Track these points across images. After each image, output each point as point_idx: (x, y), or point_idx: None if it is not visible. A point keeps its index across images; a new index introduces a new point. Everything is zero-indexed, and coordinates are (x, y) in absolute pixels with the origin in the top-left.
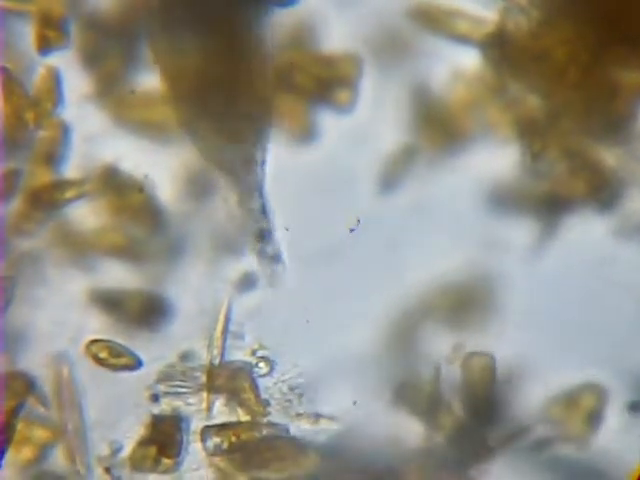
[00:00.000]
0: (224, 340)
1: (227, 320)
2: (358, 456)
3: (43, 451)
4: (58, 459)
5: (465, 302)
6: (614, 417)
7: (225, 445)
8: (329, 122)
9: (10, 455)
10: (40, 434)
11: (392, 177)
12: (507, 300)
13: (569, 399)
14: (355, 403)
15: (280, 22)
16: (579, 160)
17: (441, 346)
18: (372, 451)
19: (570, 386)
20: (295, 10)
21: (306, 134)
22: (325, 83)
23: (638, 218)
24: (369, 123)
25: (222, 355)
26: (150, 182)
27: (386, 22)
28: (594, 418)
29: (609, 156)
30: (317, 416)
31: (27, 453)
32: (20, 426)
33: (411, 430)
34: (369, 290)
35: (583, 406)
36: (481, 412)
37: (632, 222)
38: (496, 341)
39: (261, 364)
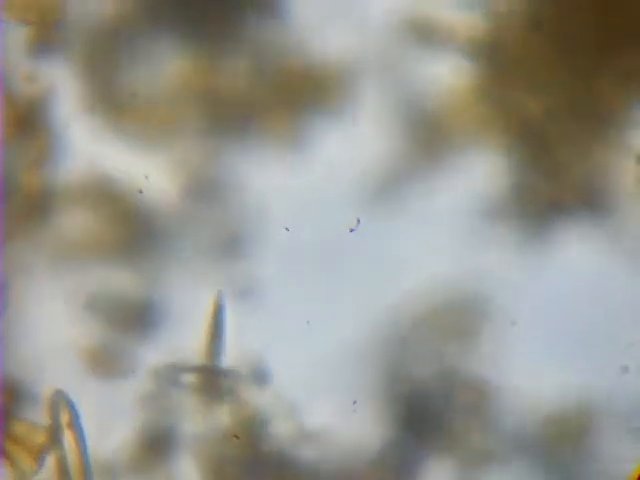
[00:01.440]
0: (220, 343)
1: (223, 323)
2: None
3: (36, 457)
4: (52, 464)
5: (461, 304)
6: (611, 422)
7: (221, 451)
8: (324, 129)
9: (3, 461)
10: (33, 439)
11: (388, 182)
12: (501, 306)
13: (565, 404)
14: (355, 403)
15: (272, 31)
16: (572, 168)
17: (440, 347)
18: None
19: (566, 391)
20: (287, 19)
21: (301, 142)
22: (317, 92)
23: (631, 227)
24: (363, 129)
25: (218, 359)
26: (150, 184)
27: (378, 32)
28: (589, 434)
29: (603, 165)
30: (315, 423)
31: (20, 458)
32: (13, 431)
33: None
34: (369, 290)
35: (577, 422)
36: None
37: (625, 231)
38: (490, 344)
39: (259, 367)
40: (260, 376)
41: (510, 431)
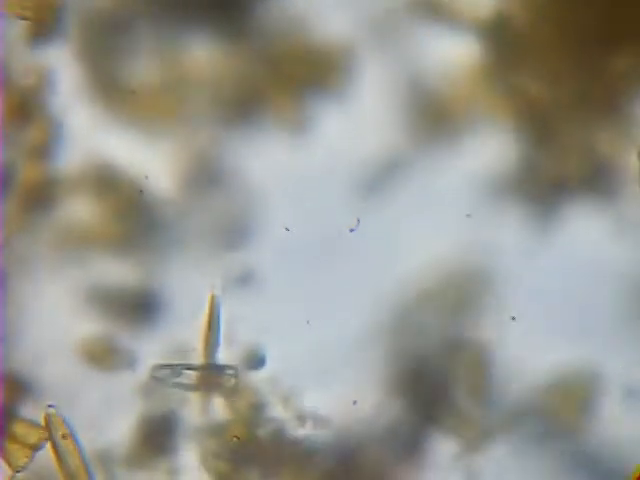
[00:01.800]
0: (219, 338)
1: (220, 319)
2: (355, 456)
3: (34, 452)
4: (49, 460)
5: (464, 298)
6: (612, 406)
7: (221, 446)
8: (325, 115)
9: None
10: (31, 435)
11: (391, 164)
12: (504, 291)
13: (565, 387)
14: (355, 403)
15: (273, 10)
16: (577, 150)
17: (440, 345)
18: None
19: (566, 374)
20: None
21: (302, 128)
22: (320, 73)
23: (635, 209)
24: (366, 115)
25: (217, 354)
26: (150, 183)
27: (382, 10)
28: (591, 406)
29: (607, 147)
30: (315, 417)
31: (18, 454)
32: (11, 427)
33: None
34: (369, 290)
35: (579, 395)
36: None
37: (629, 213)
38: (493, 333)
39: (258, 364)
40: (258, 365)
41: (512, 404)
